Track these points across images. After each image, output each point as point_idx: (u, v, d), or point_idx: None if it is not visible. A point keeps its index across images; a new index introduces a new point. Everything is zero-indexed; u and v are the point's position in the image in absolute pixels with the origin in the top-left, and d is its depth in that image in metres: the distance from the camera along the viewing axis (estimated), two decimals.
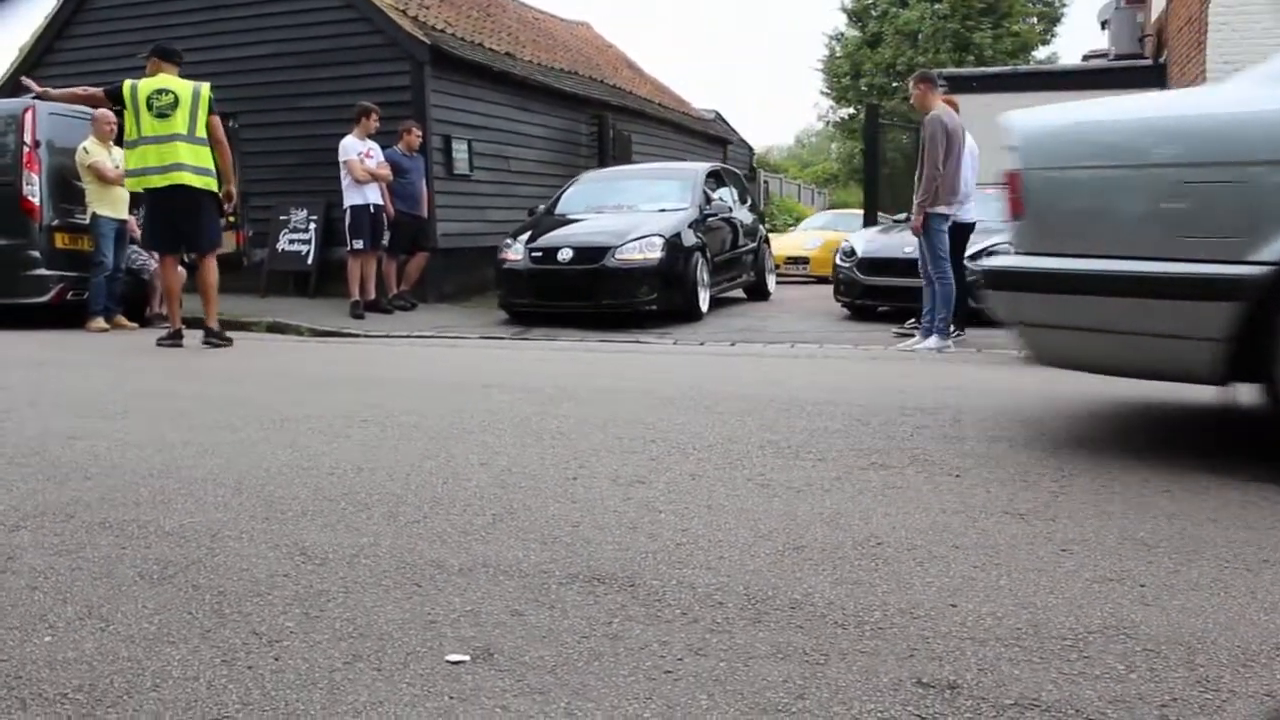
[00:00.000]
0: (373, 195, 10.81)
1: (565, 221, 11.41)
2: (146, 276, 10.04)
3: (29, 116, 9.52)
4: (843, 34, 39.58)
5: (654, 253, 10.34)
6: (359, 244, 10.79)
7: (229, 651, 1.89)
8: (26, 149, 9.51)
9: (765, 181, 31.26)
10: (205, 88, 7.83)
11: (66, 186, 9.43)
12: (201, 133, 7.71)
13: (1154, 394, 5.24)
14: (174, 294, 8.19)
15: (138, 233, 9.97)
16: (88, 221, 9.22)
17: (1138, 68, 16.46)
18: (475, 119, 13.67)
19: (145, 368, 6.46)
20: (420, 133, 11.65)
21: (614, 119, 17.35)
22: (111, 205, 9.21)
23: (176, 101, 7.67)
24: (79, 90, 8.46)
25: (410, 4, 13.46)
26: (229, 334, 8.13)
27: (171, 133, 7.61)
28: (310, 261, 12.87)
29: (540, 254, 10.60)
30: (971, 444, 3.80)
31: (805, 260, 18.42)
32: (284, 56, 13.08)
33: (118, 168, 9.17)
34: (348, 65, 12.76)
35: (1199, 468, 3.36)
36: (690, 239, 10.89)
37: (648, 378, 6.10)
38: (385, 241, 11.25)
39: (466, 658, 1.86)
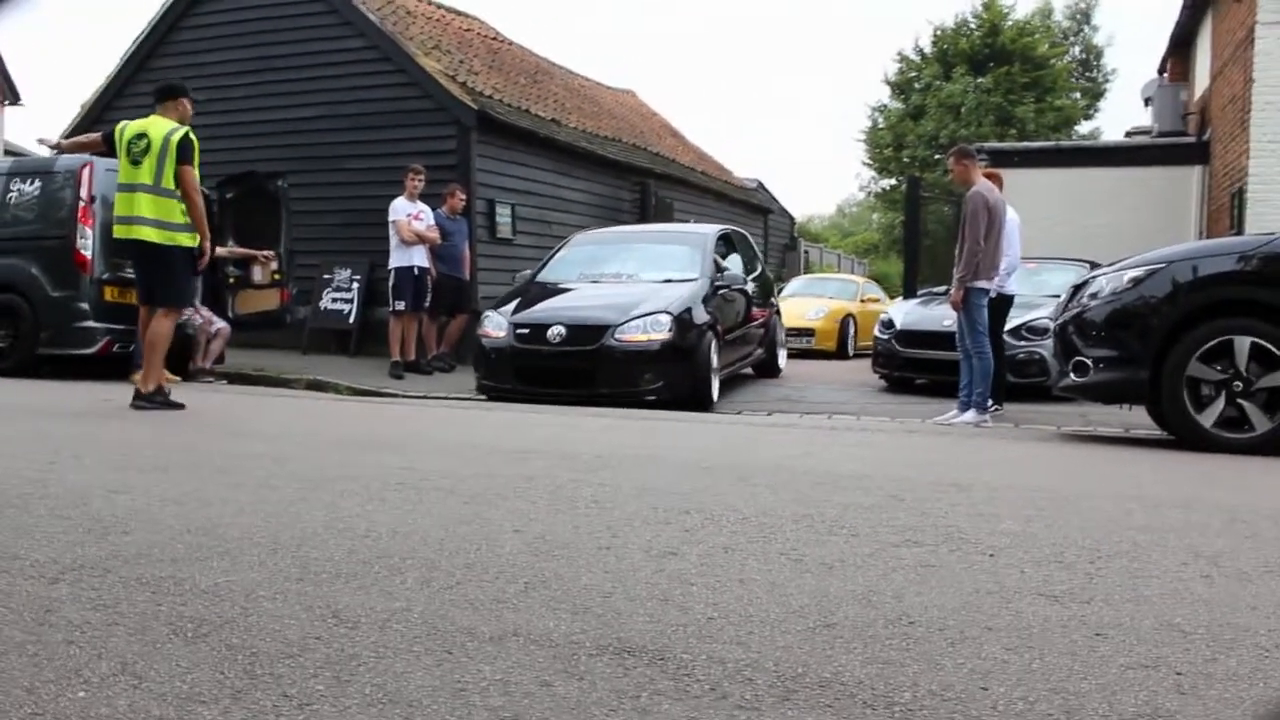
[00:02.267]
0: (418, 257, 10.97)
1: (556, 291, 10.11)
2: (191, 331, 10.20)
3: (85, 172, 9.78)
4: (885, 105, 39.90)
5: (661, 332, 9.00)
6: (400, 305, 10.93)
7: (259, 713, 1.90)
8: (82, 204, 9.76)
9: (805, 251, 31.37)
10: (179, 133, 7.19)
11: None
12: (169, 183, 7.09)
13: (1194, 475, 5.19)
14: (155, 347, 7.31)
15: None
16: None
17: (1181, 145, 16.45)
18: (519, 183, 13.87)
19: (186, 423, 6.54)
20: (464, 195, 11.84)
21: (656, 186, 17.53)
22: None
23: (148, 148, 7.12)
24: (83, 138, 8.45)
25: (459, 70, 13.74)
26: (175, 399, 7.24)
27: (136, 181, 7.12)
28: (352, 320, 13.04)
29: (526, 331, 9.24)
30: (1006, 523, 3.77)
31: (810, 332, 16.86)
32: (333, 119, 13.37)
33: None
34: (395, 129, 13.03)
35: (1240, 554, 3.31)
36: (701, 315, 9.50)
37: (682, 447, 6.10)
38: (427, 303, 11.38)
39: None
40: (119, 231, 7.27)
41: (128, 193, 7.14)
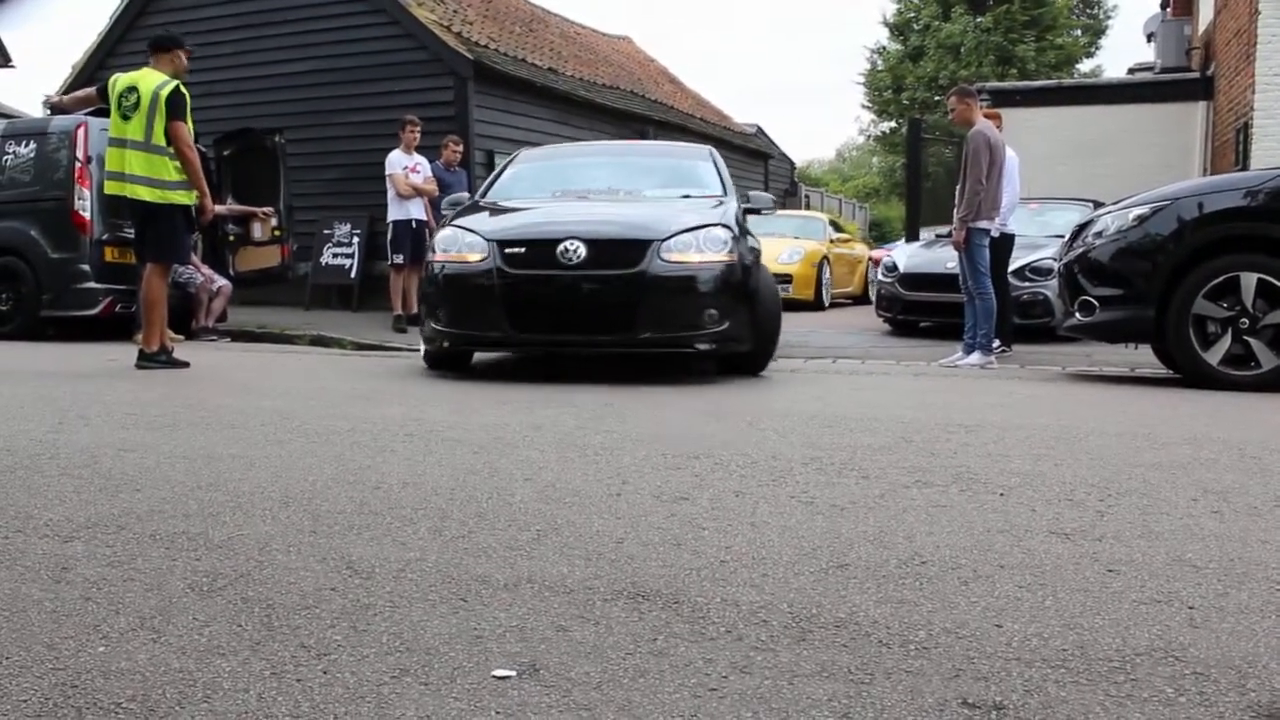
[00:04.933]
0: (415, 210, 10.90)
1: (533, 210, 7.21)
2: (193, 290, 10.18)
3: (81, 133, 9.72)
4: (884, 47, 39.53)
5: (720, 252, 6.41)
6: (399, 258, 10.89)
7: (278, 664, 1.92)
8: (78, 164, 9.71)
9: (806, 195, 31.21)
10: (169, 87, 6.93)
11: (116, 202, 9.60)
12: (159, 139, 6.87)
13: (1202, 412, 5.19)
14: (152, 305, 7.19)
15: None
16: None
17: (1184, 80, 16.30)
18: (518, 133, 13.78)
19: (191, 380, 6.54)
20: (460, 147, 11.74)
21: (656, 133, 17.42)
22: None
23: (138, 103, 6.89)
24: (80, 93, 8.01)
25: (454, 20, 13.60)
26: (179, 357, 7.28)
27: (125, 137, 6.92)
28: (353, 275, 13.02)
29: (522, 250, 6.43)
30: (1016, 462, 3.78)
31: (786, 278, 14.42)
32: (329, 72, 13.27)
33: None
34: (391, 81, 12.93)
35: (1249, 489, 3.32)
36: (749, 241, 7.05)
37: (687, 394, 6.10)
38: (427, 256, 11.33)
39: (512, 673, 1.87)
40: (110, 187, 7.12)
41: (118, 148, 6.96)
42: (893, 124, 39.11)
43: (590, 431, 4.45)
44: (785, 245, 15.36)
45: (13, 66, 25.66)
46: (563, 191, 7.61)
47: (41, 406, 5.20)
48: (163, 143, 6.86)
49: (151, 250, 7.12)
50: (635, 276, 6.27)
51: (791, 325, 11.17)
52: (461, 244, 6.60)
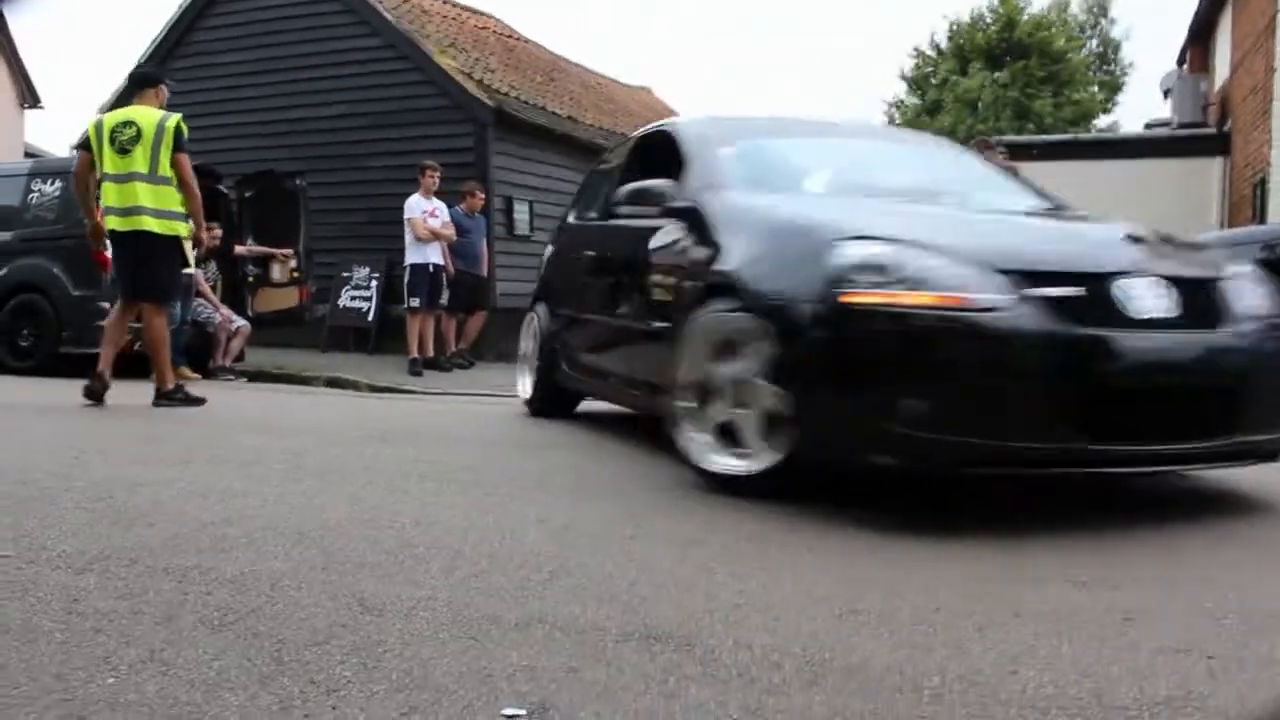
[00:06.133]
0: (433, 255, 10.97)
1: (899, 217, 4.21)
2: (211, 329, 10.25)
3: None
4: (902, 101, 39.73)
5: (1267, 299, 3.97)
6: (416, 302, 10.94)
7: (286, 699, 1.91)
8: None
9: None
10: (173, 120, 6.82)
11: None
12: (165, 171, 6.74)
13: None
14: (111, 342, 7.04)
15: (204, 285, 10.22)
16: None
17: (1201, 136, 16.34)
18: (537, 180, 13.88)
19: (206, 418, 6.56)
20: (483, 195, 11.84)
21: None
22: None
23: (139, 135, 6.73)
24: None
25: (476, 68, 13.76)
26: (196, 394, 7.14)
27: (130, 171, 6.71)
28: (371, 318, 13.07)
29: (1076, 292, 3.50)
30: (1034, 508, 3.75)
31: None
32: (351, 117, 13.41)
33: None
34: (413, 126, 13.05)
35: (1271, 541, 3.29)
36: None
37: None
38: (444, 300, 11.38)
39: (523, 712, 1.86)
40: (119, 224, 6.80)
41: (121, 183, 6.72)
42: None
43: (605, 475, 4.44)
44: None
45: (41, 107, 26.08)
46: (840, 186, 5.23)
47: (59, 440, 5.22)
48: (168, 174, 6.75)
49: (149, 290, 6.93)
50: (1233, 342, 3.73)
51: None
52: (930, 272, 3.52)
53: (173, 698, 1.90)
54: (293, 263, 11.39)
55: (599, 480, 4.31)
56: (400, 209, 11.05)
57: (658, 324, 4.67)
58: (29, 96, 25.25)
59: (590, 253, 6.21)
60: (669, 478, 4.40)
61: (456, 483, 4.21)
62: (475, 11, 17.02)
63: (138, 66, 7.27)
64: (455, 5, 16.42)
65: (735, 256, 4.19)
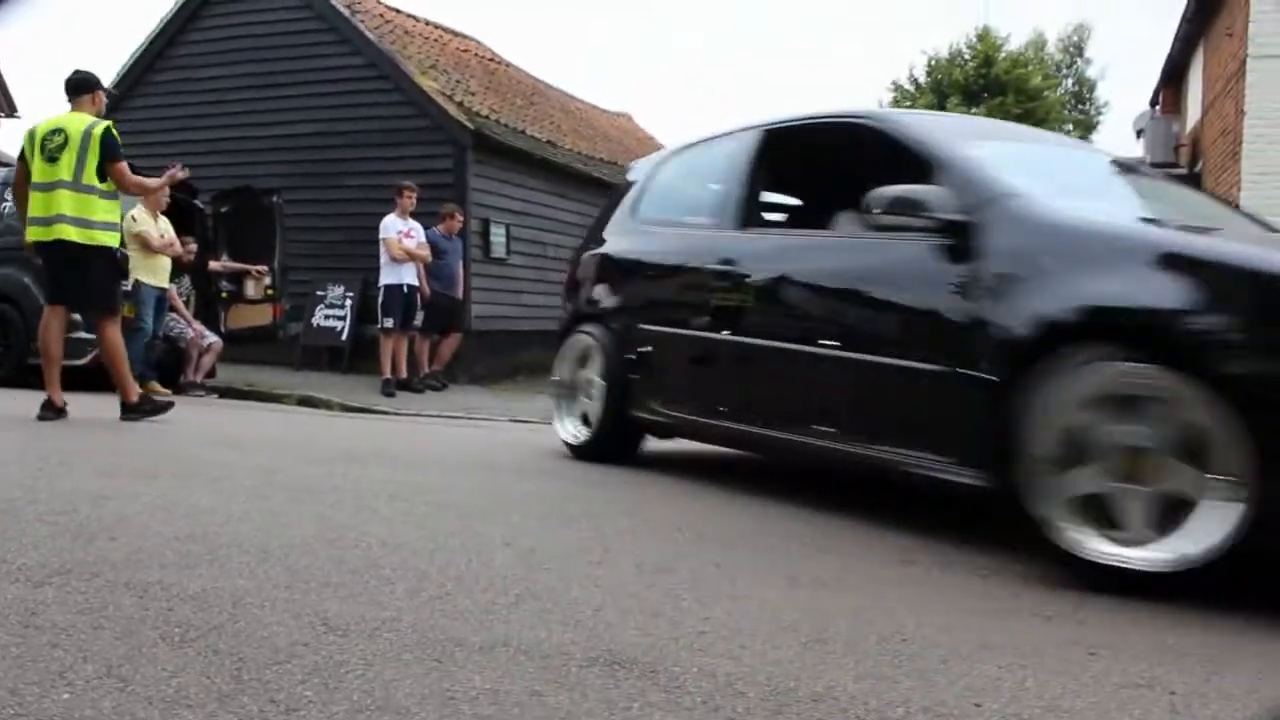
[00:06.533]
0: (407, 275, 10.95)
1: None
2: (183, 344, 10.18)
3: None
4: None
5: None
6: (389, 322, 10.92)
7: (245, 718, 1.88)
8: None
9: None
10: (100, 127, 6.57)
11: None
12: (91, 179, 6.48)
13: None
14: (49, 356, 6.78)
15: (178, 300, 10.16)
16: (129, 288, 9.36)
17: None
18: (514, 204, 13.89)
19: (175, 433, 6.50)
20: (462, 217, 11.83)
21: None
22: (154, 273, 9.37)
23: (66, 143, 6.49)
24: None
25: (456, 90, 13.78)
26: (164, 399, 7.18)
27: (54, 179, 6.47)
28: (345, 337, 13.02)
29: None
30: (999, 544, 3.76)
31: None
32: (330, 136, 13.40)
33: (163, 237, 9.38)
34: (392, 147, 13.05)
35: (1236, 579, 3.30)
36: None
37: (682, 465, 6.08)
38: (418, 321, 11.36)
39: None
40: (35, 234, 6.59)
41: (45, 192, 6.50)
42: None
43: (576, 500, 4.43)
44: None
45: (18, 117, 25.93)
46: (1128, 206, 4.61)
47: (24, 452, 5.16)
48: (94, 182, 6.50)
49: (91, 301, 6.81)
50: None
51: None
52: None
53: (129, 714, 1.87)
54: (267, 280, 11.35)
55: (569, 505, 4.29)
56: (377, 229, 11.03)
57: (969, 371, 3.62)
58: (6, 106, 25.11)
59: (783, 268, 4.78)
60: (640, 504, 4.40)
61: (425, 504, 4.19)
62: (457, 34, 17.06)
63: (75, 72, 6.89)
64: (437, 27, 16.46)
65: (1113, 288, 3.32)
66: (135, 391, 6.96)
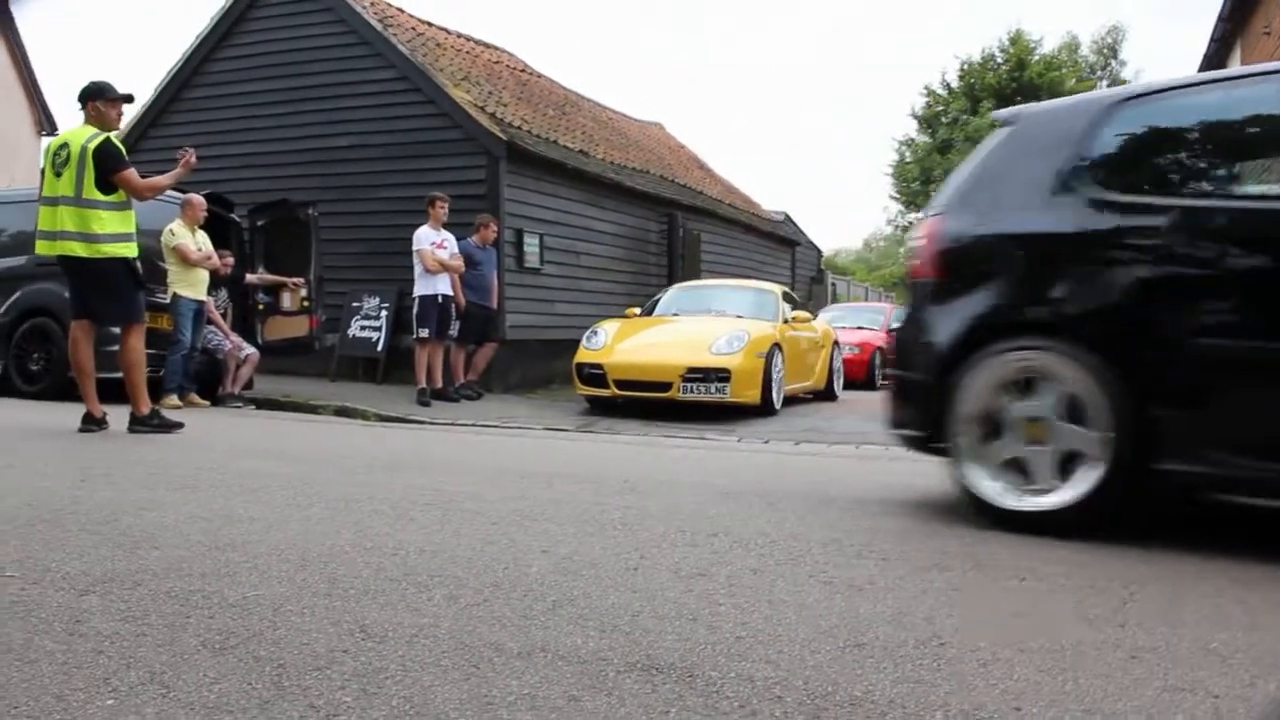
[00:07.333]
0: (442, 286, 10.99)
1: None
2: (221, 356, 10.26)
3: None
4: (913, 140, 39.91)
5: None
6: (424, 333, 10.96)
7: None
8: None
9: (833, 284, 31.31)
10: (96, 141, 6.57)
11: (150, 267, 9.69)
12: (91, 193, 6.52)
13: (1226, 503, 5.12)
14: (80, 370, 6.91)
15: (215, 313, 10.26)
16: (168, 301, 9.46)
17: None
18: (548, 214, 13.92)
19: (213, 444, 6.57)
20: (496, 227, 11.87)
21: (684, 218, 17.58)
22: (192, 286, 9.46)
23: (68, 158, 6.56)
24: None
25: (489, 101, 13.83)
26: (174, 418, 7.26)
27: (57, 195, 6.56)
28: (380, 348, 13.08)
29: None
30: (1037, 549, 3.72)
31: (723, 374, 10.28)
32: (364, 148, 13.48)
33: (200, 250, 9.48)
34: (426, 158, 13.11)
35: (1277, 579, 3.26)
36: None
37: (708, 473, 6.08)
38: (453, 331, 11.40)
39: None
40: (42, 248, 6.73)
41: (51, 206, 6.60)
42: (920, 215, 39.32)
43: (609, 507, 4.42)
44: (725, 328, 11.04)
45: (57, 135, 26.25)
46: None
47: (66, 464, 5.23)
48: (94, 196, 6.54)
49: (113, 313, 6.89)
50: None
51: (815, 411, 11.04)
52: None
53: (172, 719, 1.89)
54: (303, 291, 11.42)
55: (602, 512, 4.29)
56: (411, 240, 11.08)
57: None
58: (46, 123, 25.45)
59: None
60: (673, 511, 4.40)
61: (462, 511, 4.21)
62: (488, 45, 17.15)
63: (90, 83, 6.80)
64: (469, 39, 16.54)
65: None
66: (147, 405, 7.02)
